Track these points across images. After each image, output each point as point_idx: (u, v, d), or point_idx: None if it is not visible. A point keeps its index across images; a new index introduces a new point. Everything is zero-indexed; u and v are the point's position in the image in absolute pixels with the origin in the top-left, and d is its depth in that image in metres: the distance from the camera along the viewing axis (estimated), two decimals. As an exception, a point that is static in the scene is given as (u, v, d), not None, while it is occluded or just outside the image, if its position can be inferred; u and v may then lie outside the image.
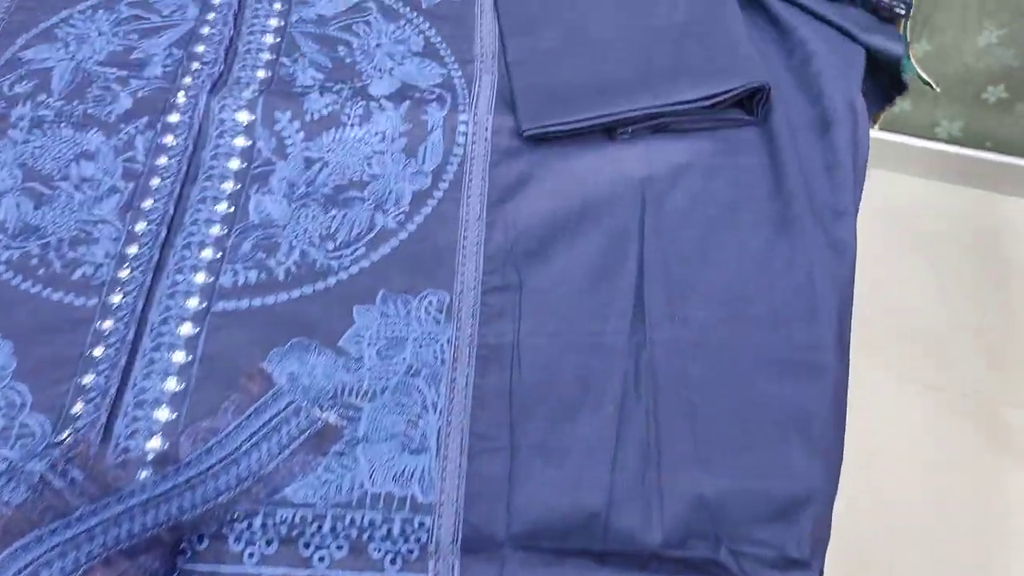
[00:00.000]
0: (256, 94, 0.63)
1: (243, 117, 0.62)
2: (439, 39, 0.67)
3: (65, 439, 0.48)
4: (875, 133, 1.73)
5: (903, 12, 0.69)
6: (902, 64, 0.68)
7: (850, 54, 0.66)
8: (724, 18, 0.65)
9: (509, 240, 0.57)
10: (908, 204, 1.80)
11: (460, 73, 0.65)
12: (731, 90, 0.60)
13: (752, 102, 0.62)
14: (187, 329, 0.53)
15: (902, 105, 1.68)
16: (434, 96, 0.63)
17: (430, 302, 0.54)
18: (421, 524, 0.46)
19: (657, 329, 0.53)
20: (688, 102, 0.60)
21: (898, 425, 1.49)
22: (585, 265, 0.56)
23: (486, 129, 0.62)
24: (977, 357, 1.57)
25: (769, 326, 0.53)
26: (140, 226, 0.58)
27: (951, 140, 1.72)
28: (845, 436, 0.53)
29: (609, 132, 0.62)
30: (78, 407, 0.50)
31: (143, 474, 0.47)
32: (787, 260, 0.55)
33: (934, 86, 0.84)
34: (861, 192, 0.62)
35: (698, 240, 0.57)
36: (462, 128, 0.62)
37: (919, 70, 0.81)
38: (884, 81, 0.71)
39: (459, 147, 0.61)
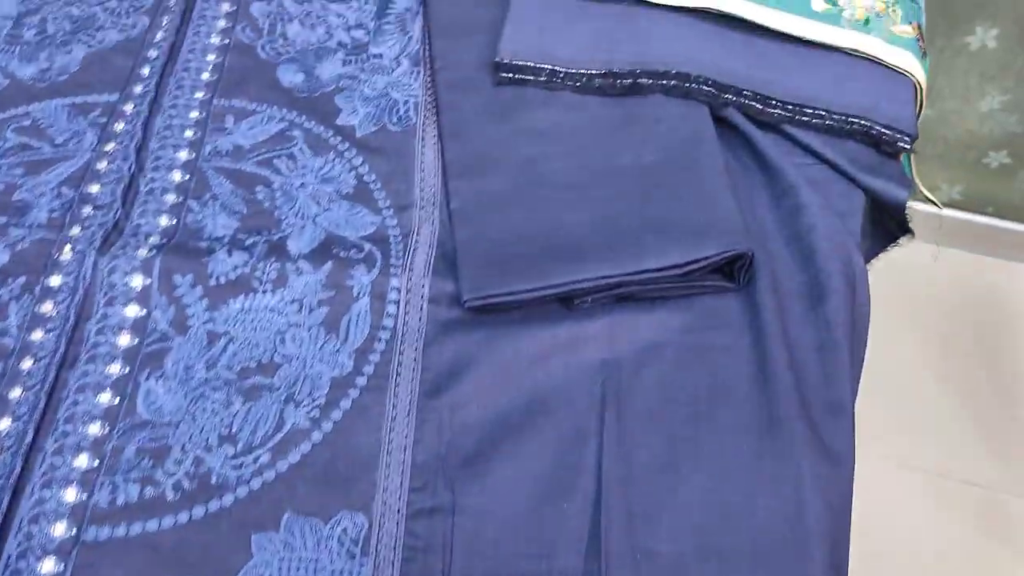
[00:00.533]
0: (153, 252, 0.54)
1: (137, 281, 0.53)
2: (373, 178, 0.59)
3: None
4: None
5: (908, 145, 0.60)
6: (906, 209, 0.59)
7: (847, 202, 0.58)
8: (701, 161, 0.56)
9: (443, 443, 0.48)
10: (906, 267, 1.71)
11: (395, 222, 0.57)
12: (708, 257, 0.52)
13: (733, 266, 0.53)
14: (49, 566, 0.44)
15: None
16: (362, 255, 0.54)
17: (344, 530, 0.46)
18: None
19: (615, 568, 0.44)
20: (658, 270, 0.52)
21: (899, 514, 1.41)
22: (531, 481, 0.47)
23: (421, 297, 0.53)
24: (978, 443, 1.49)
25: (749, 565, 0.45)
26: (4, 424, 0.49)
27: (950, 204, 1.65)
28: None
29: (566, 302, 0.53)
30: None
31: None
32: (772, 476, 0.47)
33: (939, 205, 0.76)
34: (860, 375, 0.53)
35: (667, 448, 0.48)
36: (393, 296, 0.53)
37: (923, 189, 0.72)
38: (886, 221, 0.62)
39: (389, 318, 0.53)
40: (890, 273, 1.56)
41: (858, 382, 0.53)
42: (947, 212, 1.69)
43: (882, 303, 1.63)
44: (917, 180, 0.72)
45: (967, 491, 1.46)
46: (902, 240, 0.64)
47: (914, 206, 1.41)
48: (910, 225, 0.61)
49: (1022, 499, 1.44)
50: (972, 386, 1.58)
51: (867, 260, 0.62)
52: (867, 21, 0.65)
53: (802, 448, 0.48)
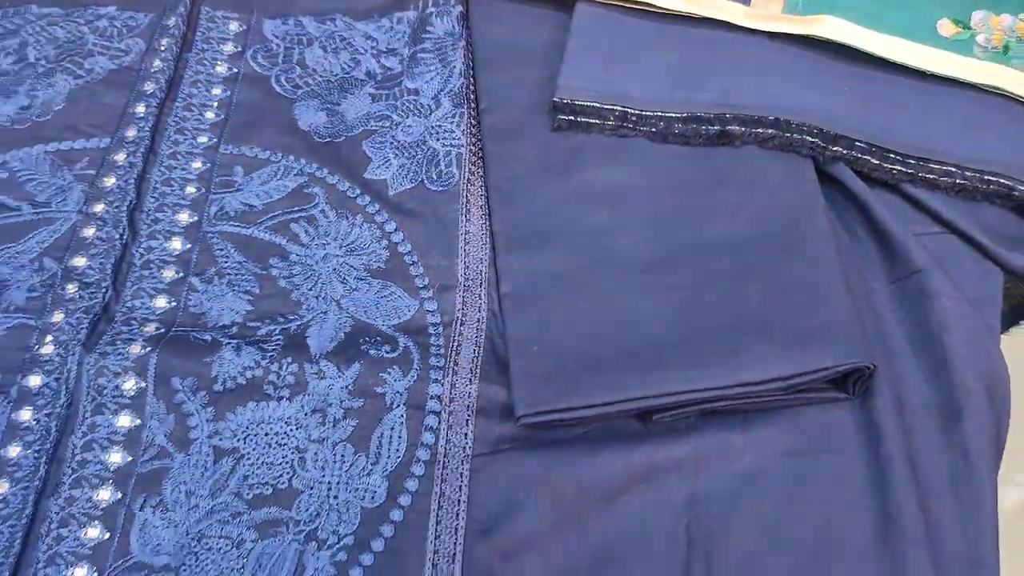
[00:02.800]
0: (148, 348, 0.47)
1: (129, 384, 0.47)
2: (408, 249, 0.51)
3: None
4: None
5: (1059, 208, 0.51)
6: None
7: (984, 285, 0.50)
8: (809, 240, 0.48)
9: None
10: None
11: (436, 307, 0.49)
12: (820, 370, 0.44)
13: (847, 376, 0.45)
14: None
15: None
16: (396, 352, 0.47)
17: None
18: None
19: None
20: (759, 383, 0.44)
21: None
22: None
23: (468, 408, 0.46)
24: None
25: None
26: (-27, 570, 0.42)
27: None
28: None
29: (643, 419, 0.46)
30: None
31: None
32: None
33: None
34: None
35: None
36: (433, 406, 0.46)
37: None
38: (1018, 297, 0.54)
39: (429, 434, 0.46)
40: None
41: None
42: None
43: None
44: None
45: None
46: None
47: None
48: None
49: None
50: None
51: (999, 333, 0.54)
52: (1007, 48, 0.56)
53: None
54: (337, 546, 0.44)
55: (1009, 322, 0.57)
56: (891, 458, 0.44)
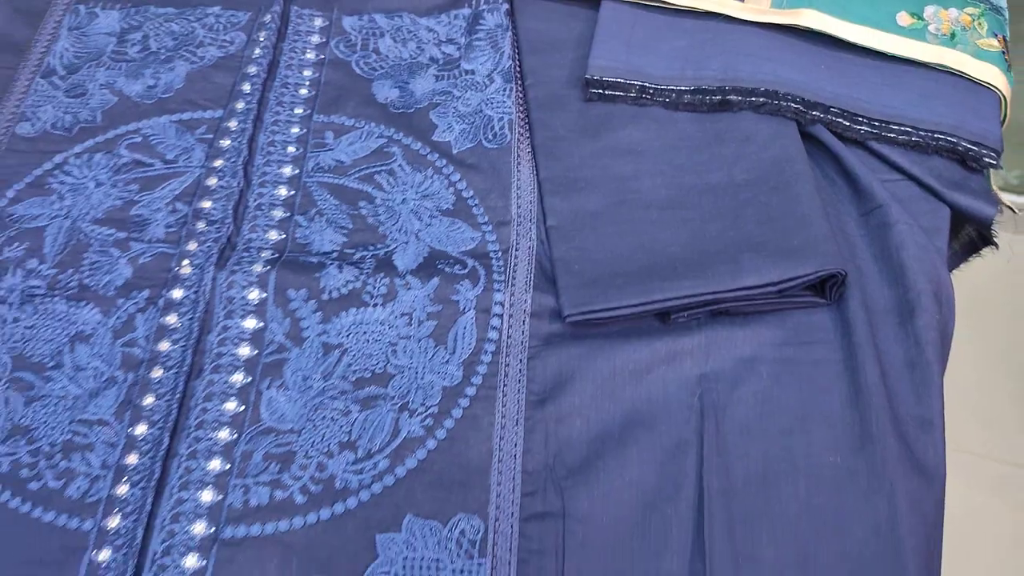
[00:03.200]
0: (268, 266, 0.60)
1: (253, 295, 0.59)
2: (471, 194, 0.64)
3: None
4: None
5: (994, 161, 0.64)
6: (992, 227, 0.63)
7: (934, 218, 0.62)
8: (792, 180, 0.61)
9: (550, 453, 0.54)
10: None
11: (495, 238, 0.62)
12: (803, 276, 0.56)
13: (825, 283, 0.58)
14: (192, 562, 0.50)
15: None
16: (465, 270, 0.60)
17: (462, 532, 0.51)
18: None
19: (720, 571, 0.50)
20: (754, 288, 0.56)
21: (959, 499, 1.44)
22: (636, 489, 0.52)
23: (524, 311, 0.58)
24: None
25: (844, 571, 0.49)
26: (140, 429, 0.55)
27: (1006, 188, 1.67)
28: None
29: (663, 318, 0.58)
30: (70, 665, 0.47)
31: None
32: (866, 491, 0.52)
33: (1015, 210, 0.79)
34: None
35: (764, 460, 0.53)
36: (497, 310, 0.58)
37: (1007, 203, 0.76)
38: (969, 233, 0.67)
39: (494, 331, 0.58)
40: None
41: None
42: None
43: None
44: (995, 189, 0.76)
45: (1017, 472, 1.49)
46: (984, 251, 0.68)
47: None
48: (994, 238, 0.65)
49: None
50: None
51: (949, 270, 0.66)
52: (953, 35, 0.69)
53: (894, 464, 0.53)
54: (425, 414, 0.56)
55: (960, 258, 0.70)
56: (860, 345, 0.56)
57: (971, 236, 0.68)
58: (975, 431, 1.54)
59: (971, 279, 1.49)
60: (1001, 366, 1.64)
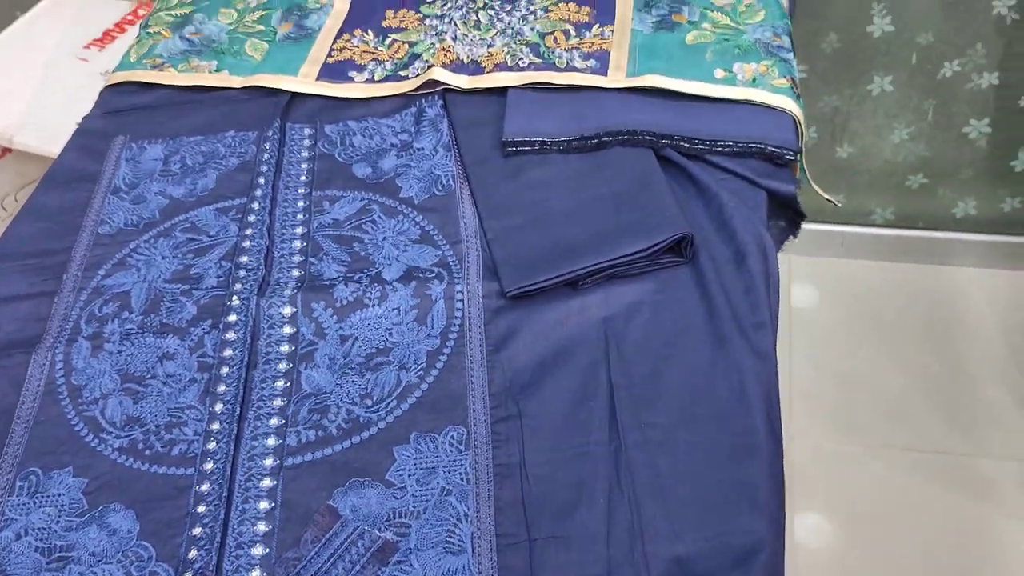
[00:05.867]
0: (295, 291, 0.82)
1: (287, 311, 0.81)
2: (431, 227, 0.87)
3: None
4: (824, 226, 1.95)
5: (793, 157, 0.89)
6: (797, 199, 0.87)
7: (754, 198, 0.87)
8: (653, 184, 0.85)
9: (507, 380, 0.75)
10: (860, 283, 2.01)
11: (452, 252, 0.85)
12: (662, 240, 0.80)
13: (681, 247, 0.81)
14: (267, 483, 0.70)
15: (839, 200, 1.90)
16: (434, 274, 0.82)
17: (452, 436, 0.72)
18: (467, 607, 0.63)
19: (629, 435, 0.71)
20: (632, 254, 0.80)
21: (887, 488, 1.65)
22: (568, 393, 0.74)
23: (478, 295, 0.81)
24: (944, 418, 1.74)
25: (715, 423, 0.71)
26: (218, 407, 0.75)
27: (886, 224, 1.94)
28: (785, 500, 0.70)
29: (573, 285, 0.81)
30: (192, 554, 0.66)
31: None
32: (723, 371, 0.73)
33: (836, 202, 1.05)
34: (777, 307, 0.80)
35: (653, 363, 0.75)
36: (459, 296, 0.81)
37: (821, 192, 1.01)
38: (788, 213, 0.91)
39: (458, 312, 0.80)
40: (848, 286, 1.89)
41: (776, 314, 0.80)
42: (884, 231, 1.97)
43: (847, 314, 1.96)
44: (815, 186, 1.01)
45: (940, 459, 1.70)
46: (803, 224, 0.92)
47: (852, 229, 1.74)
48: (801, 211, 0.89)
49: (987, 459, 1.69)
50: (930, 371, 1.85)
51: (785, 239, 0.91)
52: (755, 80, 0.95)
53: (741, 352, 0.75)
54: (417, 369, 0.77)
55: (788, 231, 0.94)
56: (709, 284, 0.79)
57: (791, 214, 0.92)
58: (895, 428, 1.76)
59: (888, 302, 1.75)
60: (918, 371, 1.86)
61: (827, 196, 1.05)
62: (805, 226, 1.99)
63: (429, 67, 1.00)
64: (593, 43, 1.00)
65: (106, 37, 1.51)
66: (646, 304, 0.80)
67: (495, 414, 0.74)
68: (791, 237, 0.95)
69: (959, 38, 1.60)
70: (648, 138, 0.91)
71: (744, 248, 0.82)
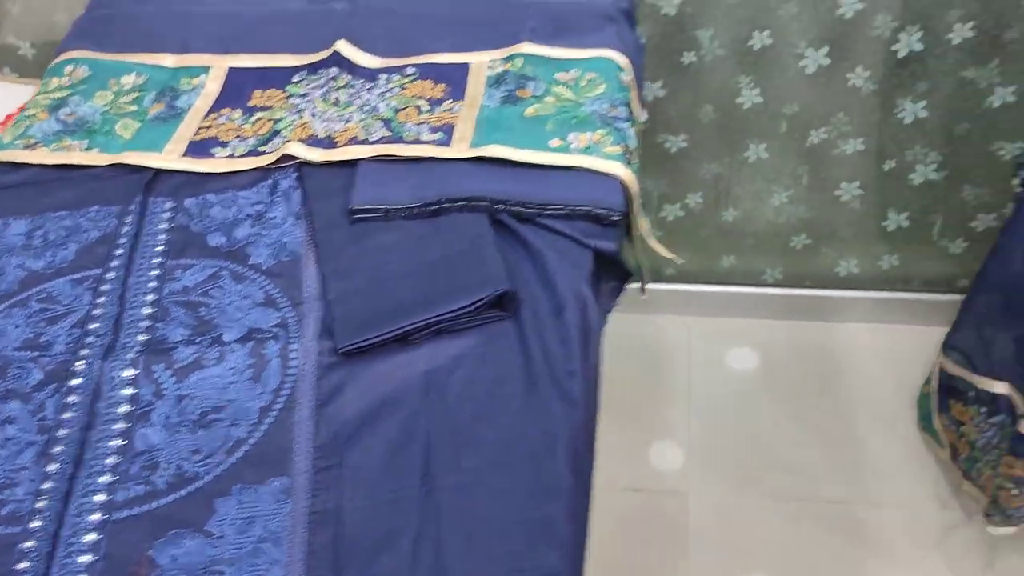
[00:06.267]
0: (138, 354, 0.86)
1: (128, 373, 0.85)
2: (276, 291, 0.92)
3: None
4: (717, 287, 2.03)
5: (619, 218, 0.96)
6: (621, 257, 0.94)
7: (580, 257, 0.93)
8: (483, 246, 0.91)
9: (332, 432, 0.79)
10: (755, 341, 2.08)
11: (293, 314, 0.89)
12: (484, 297, 0.85)
13: (503, 302, 0.86)
14: (91, 537, 0.74)
15: (730, 261, 1.98)
16: (272, 334, 0.87)
17: (275, 486, 0.75)
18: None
19: (441, 480, 0.75)
20: (457, 310, 0.85)
21: (767, 535, 1.69)
22: (387, 443, 0.78)
23: (314, 353, 0.85)
24: (832, 469, 1.80)
25: (522, 466, 0.76)
26: (52, 467, 0.78)
27: (775, 283, 2.02)
28: (587, 539, 0.74)
29: (404, 341, 0.86)
30: (10, 610, 0.69)
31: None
32: (533, 416, 0.79)
33: (676, 259, 1.11)
34: (596, 357, 0.86)
35: (470, 411, 0.80)
36: (293, 355, 0.85)
37: (663, 251, 1.08)
38: (620, 272, 0.97)
39: (292, 369, 0.84)
40: (750, 351, 1.97)
41: (593, 363, 0.85)
42: (775, 291, 2.06)
43: (741, 369, 2.05)
44: (654, 245, 1.08)
45: (832, 508, 1.76)
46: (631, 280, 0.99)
47: (745, 290, 1.83)
48: (626, 267, 0.96)
49: (873, 507, 1.74)
50: (822, 424, 1.91)
51: (617, 295, 0.97)
52: (588, 148, 1.02)
53: (551, 399, 0.80)
54: (247, 425, 0.81)
55: (619, 290, 1.00)
56: (528, 336, 0.85)
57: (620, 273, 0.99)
58: (789, 480, 1.82)
59: (780, 358, 1.80)
60: (810, 424, 1.93)
61: (668, 254, 1.12)
62: (699, 288, 2.07)
63: (286, 142, 1.06)
64: (442, 117, 1.07)
65: (8, 120, 1.56)
66: (469, 356, 0.85)
67: (318, 464, 0.78)
68: (641, 293, 1.02)
69: (822, 108, 1.71)
70: (484, 204, 0.97)
71: (563, 302, 0.88)
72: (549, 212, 0.97)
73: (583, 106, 1.08)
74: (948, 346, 1.56)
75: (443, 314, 0.86)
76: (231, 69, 1.20)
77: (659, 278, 2.03)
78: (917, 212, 1.84)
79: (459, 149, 1.03)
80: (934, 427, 1.69)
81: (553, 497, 0.74)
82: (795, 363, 1.97)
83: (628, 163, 1.03)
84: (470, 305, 0.86)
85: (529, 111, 1.08)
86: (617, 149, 1.03)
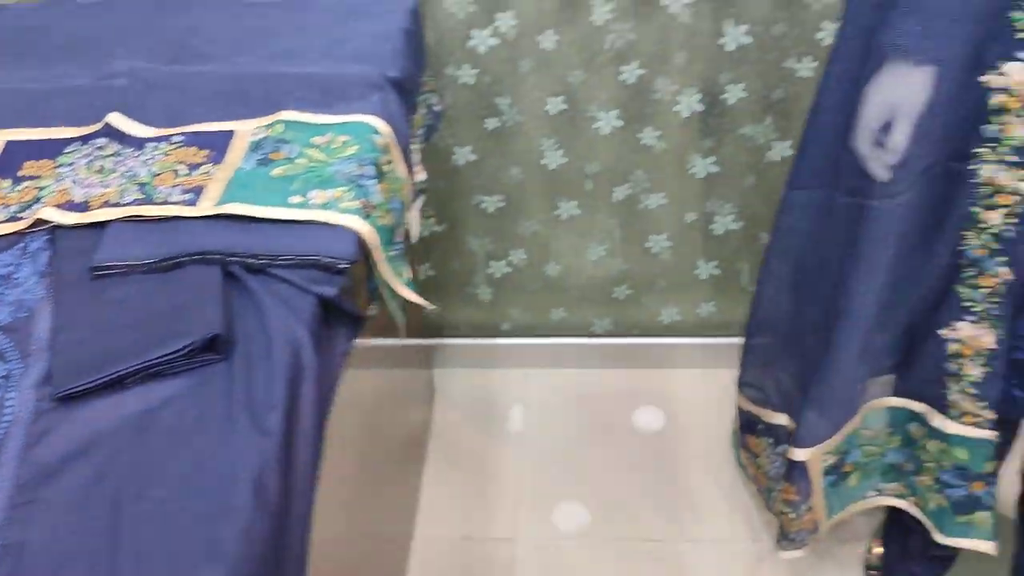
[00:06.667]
0: None
1: None
2: (9, 345, 0.97)
3: None
4: (550, 339, 2.13)
5: (347, 266, 1.03)
6: (342, 302, 1.02)
7: (303, 303, 1.00)
8: (204, 296, 0.98)
9: (33, 472, 0.84)
10: (585, 389, 2.17)
11: (21, 365, 0.95)
12: (193, 341, 0.91)
13: (216, 345, 0.93)
14: None
15: (560, 314, 2.07)
16: (-7, 382, 0.92)
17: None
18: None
19: (126, 509, 0.80)
20: (170, 354, 0.91)
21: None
22: (83, 480, 0.83)
23: (32, 400, 0.90)
24: (650, 509, 1.87)
25: (206, 492, 0.81)
26: None
27: (606, 333, 2.12)
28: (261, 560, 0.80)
29: (119, 385, 0.91)
30: None
31: None
32: (226, 447, 0.85)
33: (429, 306, 1.19)
34: (313, 394, 0.93)
35: (170, 446, 0.86)
36: (10, 403, 0.90)
37: (416, 298, 1.15)
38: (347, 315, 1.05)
39: (7, 416, 0.89)
40: (580, 400, 2.07)
41: (301, 402, 0.92)
42: (605, 340, 2.15)
43: (564, 417, 2.13)
44: (405, 292, 1.16)
45: (650, 546, 1.83)
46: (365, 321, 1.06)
47: (575, 341, 1.92)
48: (355, 311, 1.03)
49: (690, 544, 1.82)
50: (646, 466, 1.99)
51: (352, 338, 1.04)
52: (326, 204, 1.11)
53: (246, 430, 0.86)
54: (-46, 470, 0.85)
55: (351, 334, 1.08)
56: (237, 375, 0.91)
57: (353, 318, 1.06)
58: (613, 521, 1.88)
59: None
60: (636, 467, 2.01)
61: (418, 300, 1.20)
62: (533, 341, 2.15)
63: (43, 207, 1.12)
64: (194, 180, 1.15)
65: None
66: (178, 397, 0.91)
67: (13, 501, 0.82)
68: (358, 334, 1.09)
69: (621, 166, 1.84)
70: (217, 257, 1.04)
71: (273, 344, 0.94)
72: (279, 262, 1.05)
73: (331, 166, 1.17)
74: (741, 383, 1.66)
75: (156, 358, 0.92)
76: (9, 142, 1.26)
77: (495, 333, 2.11)
78: (725, 260, 1.96)
79: (203, 207, 1.11)
80: (741, 462, 1.78)
81: (227, 520, 0.80)
82: (625, 409, 2.05)
83: (367, 216, 1.12)
84: (182, 349, 0.93)
85: (277, 171, 1.16)
86: (355, 204, 1.12)
